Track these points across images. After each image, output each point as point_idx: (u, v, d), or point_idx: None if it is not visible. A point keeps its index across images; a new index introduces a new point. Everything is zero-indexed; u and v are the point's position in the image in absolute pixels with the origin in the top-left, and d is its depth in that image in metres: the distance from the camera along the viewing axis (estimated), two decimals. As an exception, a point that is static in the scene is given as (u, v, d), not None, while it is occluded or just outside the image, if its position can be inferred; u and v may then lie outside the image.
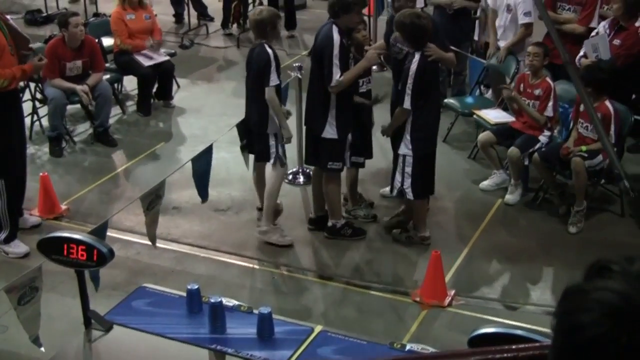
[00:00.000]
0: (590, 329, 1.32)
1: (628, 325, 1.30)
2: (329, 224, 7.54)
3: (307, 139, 7.63)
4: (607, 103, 7.40)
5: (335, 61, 6.95)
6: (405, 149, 7.10)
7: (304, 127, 7.72)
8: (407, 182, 7.15)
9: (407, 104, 6.94)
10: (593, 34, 8.46)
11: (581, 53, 8.39)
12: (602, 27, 8.41)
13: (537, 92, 7.96)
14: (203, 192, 6.98)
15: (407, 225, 7.53)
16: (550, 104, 7.93)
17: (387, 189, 7.69)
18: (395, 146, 7.27)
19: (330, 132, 7.15)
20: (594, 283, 1.39)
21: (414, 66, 6.89)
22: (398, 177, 7.20)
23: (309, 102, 7.36)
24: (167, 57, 10.51)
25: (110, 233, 5.81)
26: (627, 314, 1.31)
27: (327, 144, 7.22)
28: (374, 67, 8.56)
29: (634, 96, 8.54)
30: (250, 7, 13.68)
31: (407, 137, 7.07)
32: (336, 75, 6.97)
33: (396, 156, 7.26)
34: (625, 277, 1.37)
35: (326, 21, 7.27)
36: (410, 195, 7.21)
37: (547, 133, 7.99)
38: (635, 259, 1.41)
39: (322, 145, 7.27)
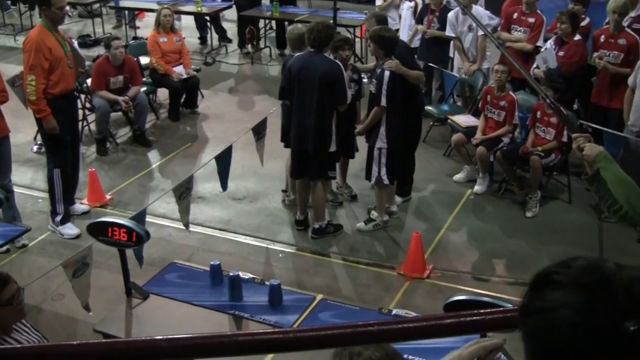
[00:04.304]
0: (564, 348, 1.24)
1: (599, 335, 1.22)
2: (316, 226, 7.29)
3: (298, 158, 7.14)
4: (561, 109, 7.41)
5: (346, 83, 6.90)
6: (381, 142, 7.04)
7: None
8: (383, 170, 7.10)
9: (383, 102, 6.88)
10: (542, 49, 8.51)
11: (534, 65, 8.43)
12: (548, 44, 8.46)
13: (502, 103, 7.94)
14: (224, 184, 6.96)
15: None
16: (516, 114, 7.95)
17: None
18: (370, 141, 7.18)
19: (333, 146, 6.99)
20: (547, 299, 1.29)
21: (387, 71, 6.88)
22: (375, 168, 7.12)
23: (316, 126, 6.83)
24: (194, 73, 10.49)
25: (147, 218, 5.79)
26: (593, 328, 1.22)
27: (330, 156, 7.07)
28: (365, 80, 8.51)
29: (575, 106, 8.55)
30: (262, 31, 13.65)
31: (383, 132, 6.99)
32: (349, 94, 6.95)
33: (371, 149, 7.18)
34: (570, 286, 1.27)
35: (305, 53, 6.99)
36: (386, 181, 7.16)
37: (509, 135, 8.01)
38: (570, 263, 1.32)
39: (326, 159, 7.04)
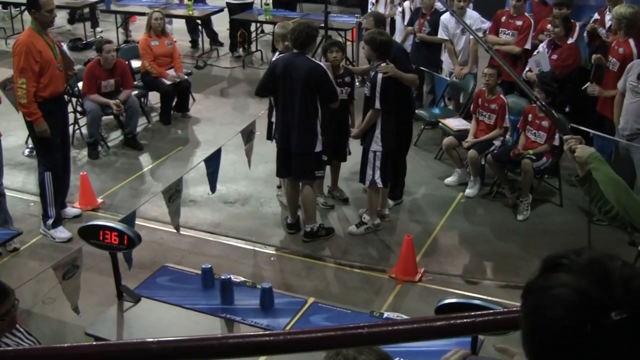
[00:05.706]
0: (556, 324, 1.27)
1: (589, 316, 1.25)
2: (307, 229, 7.27)
3: (282, 157, 7.13)
4: (552, 111, 7.43)
5: (333, 82, 6.91)
6: (375, 145, 7.04)
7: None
8: (377, 173, 7.10)
9: (377, 104, 6.87)
10: (535, 52, 8.54)
11: (527, 68, 8.46)
12: (541, 47, 8.48)
13: (493, 106, 7.96)
14: (213, 186, 6.92)
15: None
16: (507, 117, 7.97)
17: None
18: (364, 144, 7.16)
19: (318, 146, 6.97)
20: (550, 279, 1.32)
21: (380, 74, 6.87)
22: (369, 171, 7.11)
23: (299, 126, 6.84)
24: (185, 77, 10.48)
25: (138, 222, 5.78)
26: (585, 307, 1.26)
27: (316, 156, 7.02)
28: (357, 83, 8.52)
29: (567, 108, 8.56)
30: (253, 35, 13.65)
31: (378, 135, 6.99)
32: (339, 92, 6.97)
33: (365, 152, 7.17)
34: (576, 270, 1.31)
35: (289, 54, 6.98)
36: (380, 184, 7.15)
37: (500, 138, 8.02)
38: (581, 251, 1.36)
39: (311, 159, 6.99)
